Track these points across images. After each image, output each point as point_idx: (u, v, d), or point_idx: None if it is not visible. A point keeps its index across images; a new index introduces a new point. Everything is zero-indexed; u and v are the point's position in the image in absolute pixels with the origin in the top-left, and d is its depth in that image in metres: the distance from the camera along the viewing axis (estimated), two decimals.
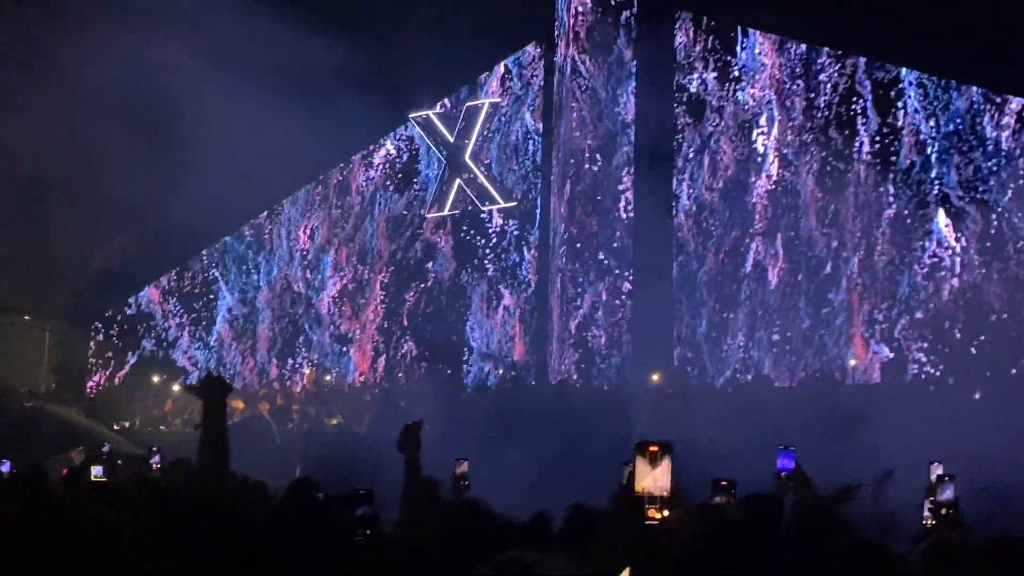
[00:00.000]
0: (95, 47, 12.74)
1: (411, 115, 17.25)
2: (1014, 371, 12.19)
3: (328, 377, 16.90)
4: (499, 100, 16.82)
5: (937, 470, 5.61)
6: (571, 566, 3.18)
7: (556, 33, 15.64)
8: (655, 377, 13.48)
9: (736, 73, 14.81)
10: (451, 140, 16.96)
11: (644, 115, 14.79)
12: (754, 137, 14.66)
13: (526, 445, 10.26)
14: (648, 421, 11.35)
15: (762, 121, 14.61)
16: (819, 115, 14.27)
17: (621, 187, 14.82)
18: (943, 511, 5.35)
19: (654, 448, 3.92)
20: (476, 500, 4.11)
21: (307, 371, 17.28)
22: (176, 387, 16.35)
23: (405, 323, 17.14)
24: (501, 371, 16.03)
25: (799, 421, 9.40)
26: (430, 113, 17.12)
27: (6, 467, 6.62)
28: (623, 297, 14.75)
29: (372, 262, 17.69)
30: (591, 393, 13.39)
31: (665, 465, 3.87)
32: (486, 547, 3.47)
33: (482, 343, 16.45)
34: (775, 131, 14.53)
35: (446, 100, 17.22)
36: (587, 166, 15.04)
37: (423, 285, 17.13)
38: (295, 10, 13.31)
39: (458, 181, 16.89)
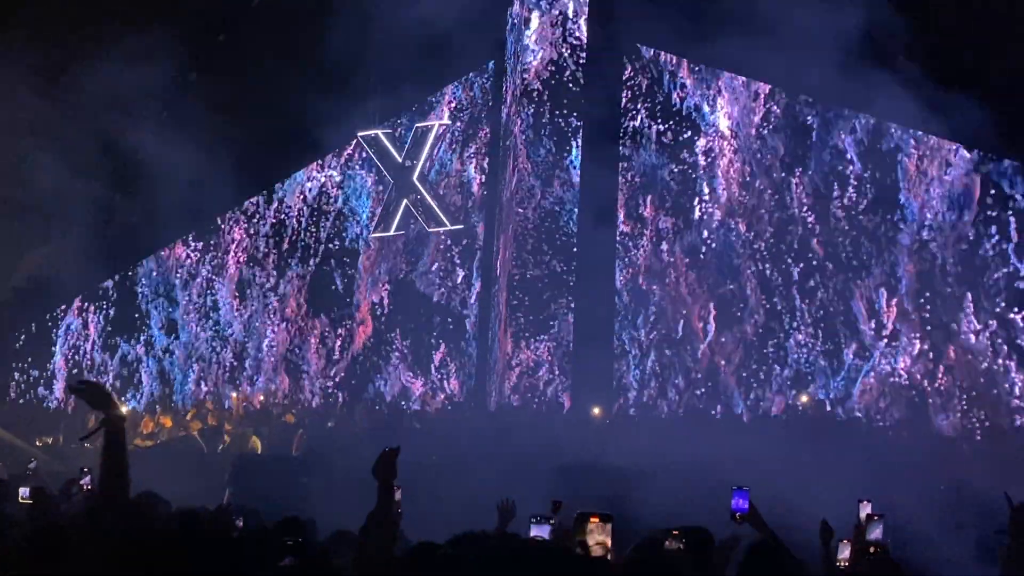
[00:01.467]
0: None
1: (360, 134, 17.19)
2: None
3: (261, 398, 16.64)
4: (448, 123, 16.86)
5: (866, 509, 5.65)
6: None
7: (507, 63, 15.87)
8: (596, 410, 13.54)
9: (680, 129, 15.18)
10: (399, 160, 16.92)
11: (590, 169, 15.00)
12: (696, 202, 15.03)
13: (461, 471, 10.21)
14: (584, 449, 11.44)
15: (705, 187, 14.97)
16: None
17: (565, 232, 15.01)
18: (871, 550, 5.42)
19: (595, 519, 4.33)
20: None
21: (233, 394, 16.99)
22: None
23: (338, 348, 17.07)
24: (441, 396, 15.94)
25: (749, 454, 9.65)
26: (379, 132, 17.07)
27: None
28: (565, 335, 14.86)
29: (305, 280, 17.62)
30: (528, 421, 13.40)
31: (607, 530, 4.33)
32: None
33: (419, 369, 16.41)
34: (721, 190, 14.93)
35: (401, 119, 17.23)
36: (531, 211, 15.15)
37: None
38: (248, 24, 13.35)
39: (405, 202, 16.83)
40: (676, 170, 15.17)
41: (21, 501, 6.56)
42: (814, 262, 14.22)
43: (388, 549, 4.09)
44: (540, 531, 4.85)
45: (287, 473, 11.33)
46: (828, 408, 13.57)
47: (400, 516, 6.17)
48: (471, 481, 9.35)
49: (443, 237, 16.67)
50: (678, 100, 15.30)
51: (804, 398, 13.77)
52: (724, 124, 15.03)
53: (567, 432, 12.49)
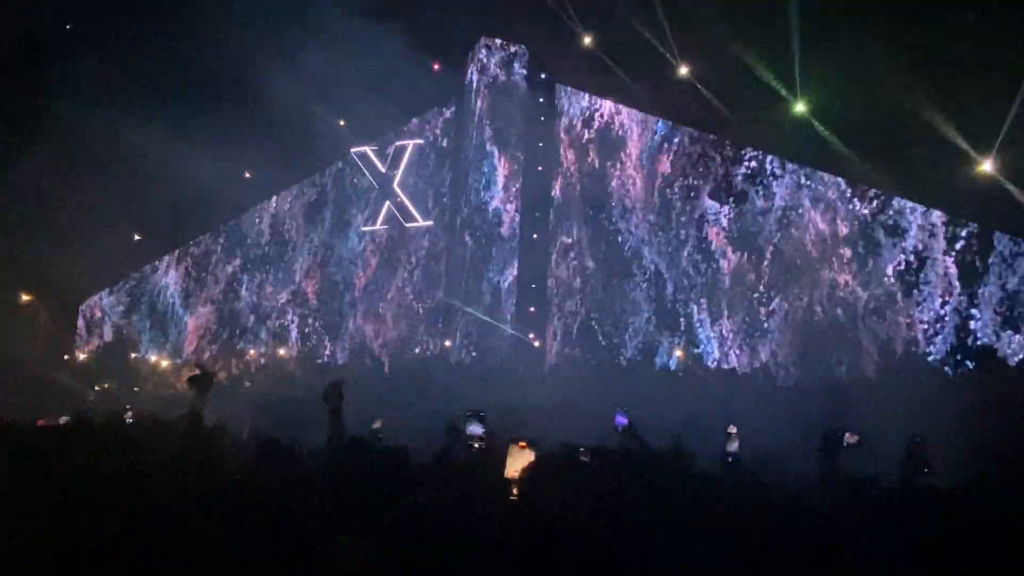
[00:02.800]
0: None
1: (352, 149, 18.58)
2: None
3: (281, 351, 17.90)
4: (420, 141, 18.25)
5: (732, 430, 7.03)
6: None
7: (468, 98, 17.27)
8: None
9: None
10: (383, 171, 18.36)
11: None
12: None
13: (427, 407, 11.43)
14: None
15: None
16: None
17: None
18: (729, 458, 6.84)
19: (523, 444, 5.16)
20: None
21: (252, 351, 18.20)
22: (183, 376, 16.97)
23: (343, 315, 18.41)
24: (417, 351, 17.38)
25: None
26: (367, 149, 18.51)
27: None
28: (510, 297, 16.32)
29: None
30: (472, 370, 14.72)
31: (528, 455, 4.99)
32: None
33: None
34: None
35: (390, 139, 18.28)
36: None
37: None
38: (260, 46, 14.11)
39: (387, 203, 18.33)
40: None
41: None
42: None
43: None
44: (475, 428, 5.89)
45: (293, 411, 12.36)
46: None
47: (380, 440, 7.43)
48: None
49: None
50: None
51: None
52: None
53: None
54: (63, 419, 7.18)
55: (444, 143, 18.06)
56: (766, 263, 14.26)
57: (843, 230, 13.45)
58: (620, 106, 15.96)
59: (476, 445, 5.91)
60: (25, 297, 17.00)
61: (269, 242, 19.22)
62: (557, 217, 16.57)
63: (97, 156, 14.31)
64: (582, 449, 5.20)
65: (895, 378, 11.99)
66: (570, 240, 16.33)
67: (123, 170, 14.77)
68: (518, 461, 4.98)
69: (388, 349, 17.47)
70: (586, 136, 16.47)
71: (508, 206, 16.74)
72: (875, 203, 13.16)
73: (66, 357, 18.02)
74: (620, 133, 16.01)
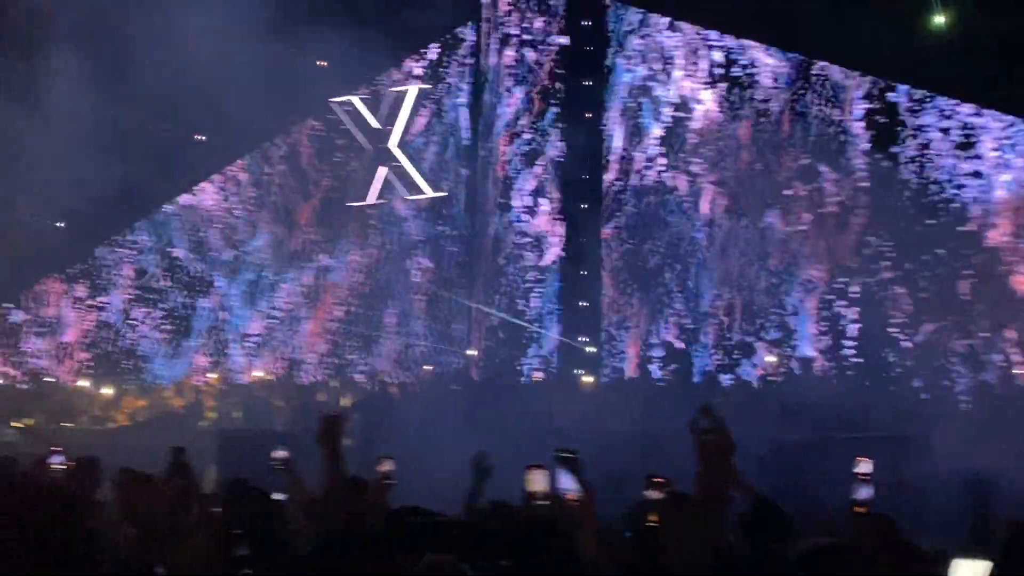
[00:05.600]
0: None
1: (332, 100, 17.00)
2: None
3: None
4: (427, 86, 16.73)
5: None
6: None
7: (484, 22, 15.87)
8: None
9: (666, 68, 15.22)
10: (376, 127, 16.78)
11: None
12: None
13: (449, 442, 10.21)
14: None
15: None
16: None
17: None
18: None
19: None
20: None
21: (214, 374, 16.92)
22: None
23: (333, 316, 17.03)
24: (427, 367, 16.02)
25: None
26: (353, 98, 16.90)
27: None
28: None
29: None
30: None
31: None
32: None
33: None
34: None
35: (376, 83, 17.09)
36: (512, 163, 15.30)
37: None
38: None
39: (383, 170, 16.72)
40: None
41: None
42: None
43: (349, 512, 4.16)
44: (566, 481, 4.66)
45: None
46: None
47: (391, 486, 6.26)
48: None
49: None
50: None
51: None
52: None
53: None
54: None
55: (460, 87, 16.54)
56: None
57: None
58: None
59: (556, 503, 4.53)
60: None
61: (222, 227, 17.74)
62: (613, 184, 15.26)
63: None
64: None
65: None
66: (629, 215, 15.18)
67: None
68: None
69: (391, 363, 16.08)
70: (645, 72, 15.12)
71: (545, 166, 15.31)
72: None
73: None
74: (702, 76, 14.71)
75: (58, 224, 17.52)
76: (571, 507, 4.32)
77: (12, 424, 14.72)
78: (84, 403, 15.59)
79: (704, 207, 14.81)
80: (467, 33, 16.60)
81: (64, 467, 6.44)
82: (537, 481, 4.54)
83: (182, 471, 5.87)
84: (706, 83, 14.94)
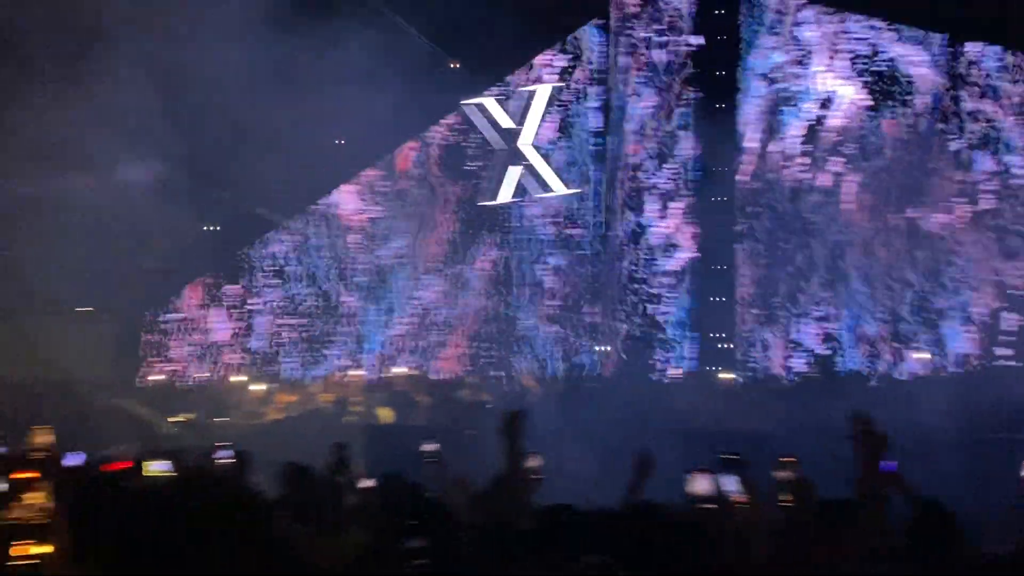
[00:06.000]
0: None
1: (463, 102, 17.24)
2: None
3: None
4: (560, 84, 16.72)
5: None
6: None
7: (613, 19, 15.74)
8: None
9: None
10: (508, 126, 16.94)
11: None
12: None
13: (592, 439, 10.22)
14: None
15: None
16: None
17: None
18: None
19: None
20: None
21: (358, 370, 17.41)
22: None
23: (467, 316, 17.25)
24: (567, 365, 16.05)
25: None
26: (485, 99, 17.09)
27: (80, 459, 6.67)
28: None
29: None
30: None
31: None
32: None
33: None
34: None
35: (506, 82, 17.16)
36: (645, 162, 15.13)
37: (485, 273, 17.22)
38: None
39: (514, 169, 16.86)
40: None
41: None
42: None
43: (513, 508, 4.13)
44: (728, 483, 4.57)
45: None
46: None
47: (538, 483, 6.30)
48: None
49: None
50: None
51: None
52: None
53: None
54: (157, 465, 6.12)
55: (590, 85, 16.49)
56: None
57: None
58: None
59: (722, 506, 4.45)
60: (83, 309, 16.84)
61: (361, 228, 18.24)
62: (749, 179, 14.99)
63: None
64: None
65: None
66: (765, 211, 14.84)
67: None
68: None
69: (527, 360, 16.17)
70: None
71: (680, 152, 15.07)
72: None
73: (138, 380, 17.81)
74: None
75: (208, 228, 18.44)
76: (737, 510, 4.27)
77: (172, 420, 15.54)
78: (237, 399, 16.31)
79: (845, 202, 14.29)
80: (595, 31, 16.47)
81: (231, 461, 6.82)
82: (701, 484, 4.47)
83: (343, 465, 6.09)
84: (847, 76, 14.39)
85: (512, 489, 4.15)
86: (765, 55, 14.98)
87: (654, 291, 15.28)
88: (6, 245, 13.85)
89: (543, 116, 16.68)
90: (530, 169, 16.70)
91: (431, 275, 17.61)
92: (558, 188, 16.52)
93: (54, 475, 4.22)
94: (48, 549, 2.69)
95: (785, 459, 4.94)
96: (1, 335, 14.21)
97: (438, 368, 17.03)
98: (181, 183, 15.81)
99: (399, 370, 16.59)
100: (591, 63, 16.51)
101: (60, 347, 15.33)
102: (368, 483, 6.56)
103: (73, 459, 6.68)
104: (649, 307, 15.26)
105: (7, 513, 2.73)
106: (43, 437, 6.66)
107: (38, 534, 2.71)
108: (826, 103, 14.52)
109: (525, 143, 16.72)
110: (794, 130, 14.69)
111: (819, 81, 14.52)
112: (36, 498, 2.82)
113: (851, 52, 14.43)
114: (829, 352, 14.11)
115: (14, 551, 2.69)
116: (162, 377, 18.05)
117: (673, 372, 14.23)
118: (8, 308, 14.22)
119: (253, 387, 16.79)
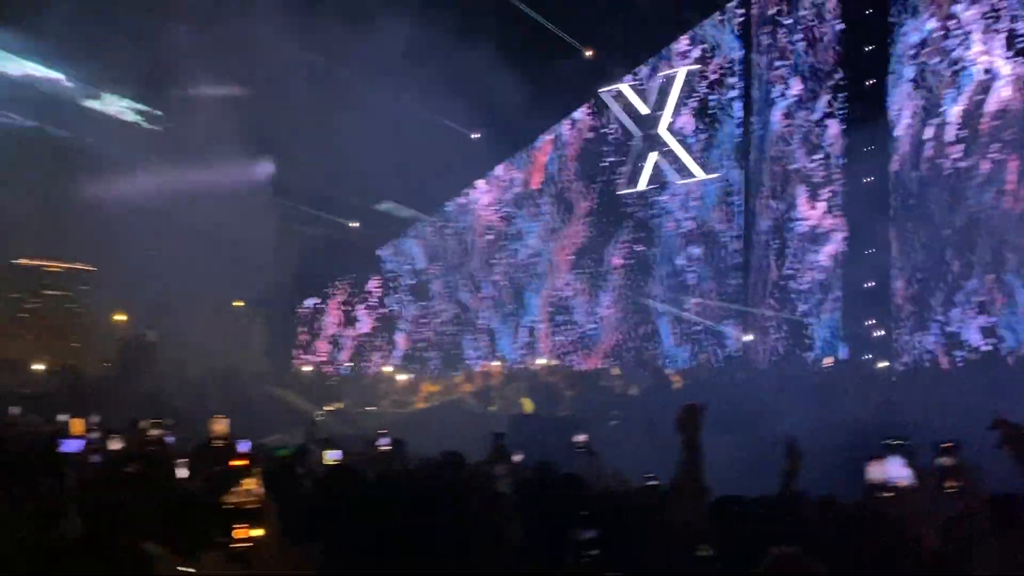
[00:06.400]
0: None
1: (601, 90, 17.14)
2: None
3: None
4: (697, 67, 16.42)
5: None
6: None
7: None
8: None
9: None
10: (645, 113, 16.75)
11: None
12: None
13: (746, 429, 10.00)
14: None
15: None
16: None
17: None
18: None
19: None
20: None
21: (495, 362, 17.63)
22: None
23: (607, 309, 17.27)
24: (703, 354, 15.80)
25: None
26: (621, 86, 16.94)
27: (246, 446, 7.01)
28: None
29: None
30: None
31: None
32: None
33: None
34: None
35: (640, 69, 16.99)
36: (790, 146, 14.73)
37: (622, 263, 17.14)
38: None
39: (653, 156, 16.64)
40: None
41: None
42: None
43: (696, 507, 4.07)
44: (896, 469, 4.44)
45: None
46: None
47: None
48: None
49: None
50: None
51: None
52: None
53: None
54: (333, 454, 6.32)
55: (731, 71, 16.11)
56: None
57: None
58: None
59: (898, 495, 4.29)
60: (237, 303, 17.62)
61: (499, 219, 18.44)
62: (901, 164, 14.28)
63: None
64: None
65: None
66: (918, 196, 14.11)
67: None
68: None
69: (667, 349, 16.02)
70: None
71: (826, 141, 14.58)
72: None
73: (292, 371, 18.54)
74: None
75: (351, 224, 19.05)
76: (909, 497, 4.15)
77: (324, 408, 16.12)
78: (385, 388, 16.80)
79: (1006, 183, 13.43)
80: (737, 13, 16.07)
81: (389, 448, 7.05)
82: (879, 471, 4.34)
83: (501, 454, 6.22)
84: (1007, 56, 13.48)
85: (694, 488, 4.10)
86: (916, 32, 14.24)
87: (803, 279, 14.80)
88: (160, 245, 14.58)
89: (680, 101, 16.42)
90: (669, 155, 16.46)
91: (570, 267, 17.65)
92: (698, 173, 16.22)
93: (260, 463, 4.53)
94: (261, 532, 2.94)
95: (946, 445, 4.74)
96: (165, 330, 14.96)
97: (580, 360, 17.06)
98: (320, 183, 16.36)
99: (541, 361, 16.72)
100: (730, 49, 16.14)
101: (220, 341, 16.13)
102: (523, 472, 6.69)
103: (243, 446, 7.05)
104: (797, 296, 14.81)
105: (228, 498, 2.97)
106: (220, 426, 7.06)
107: (253, 518, 2.96)
108: (982, 83, 13.66)
109: (663, 128, 16.49)
110: (949, 113, 13.87)
111: (975, 60, 13.64)
112: (249, 483, 3.05)
113: (1008, 30, 13.50)
114: (988, 343, 13.33)
115: (236, 534, 2.95)
116: (311, 368, 18.76)
117: (827, 361, 13.75)
118: (167, 304, 14.97)
119: (399, 377, 17.26)
